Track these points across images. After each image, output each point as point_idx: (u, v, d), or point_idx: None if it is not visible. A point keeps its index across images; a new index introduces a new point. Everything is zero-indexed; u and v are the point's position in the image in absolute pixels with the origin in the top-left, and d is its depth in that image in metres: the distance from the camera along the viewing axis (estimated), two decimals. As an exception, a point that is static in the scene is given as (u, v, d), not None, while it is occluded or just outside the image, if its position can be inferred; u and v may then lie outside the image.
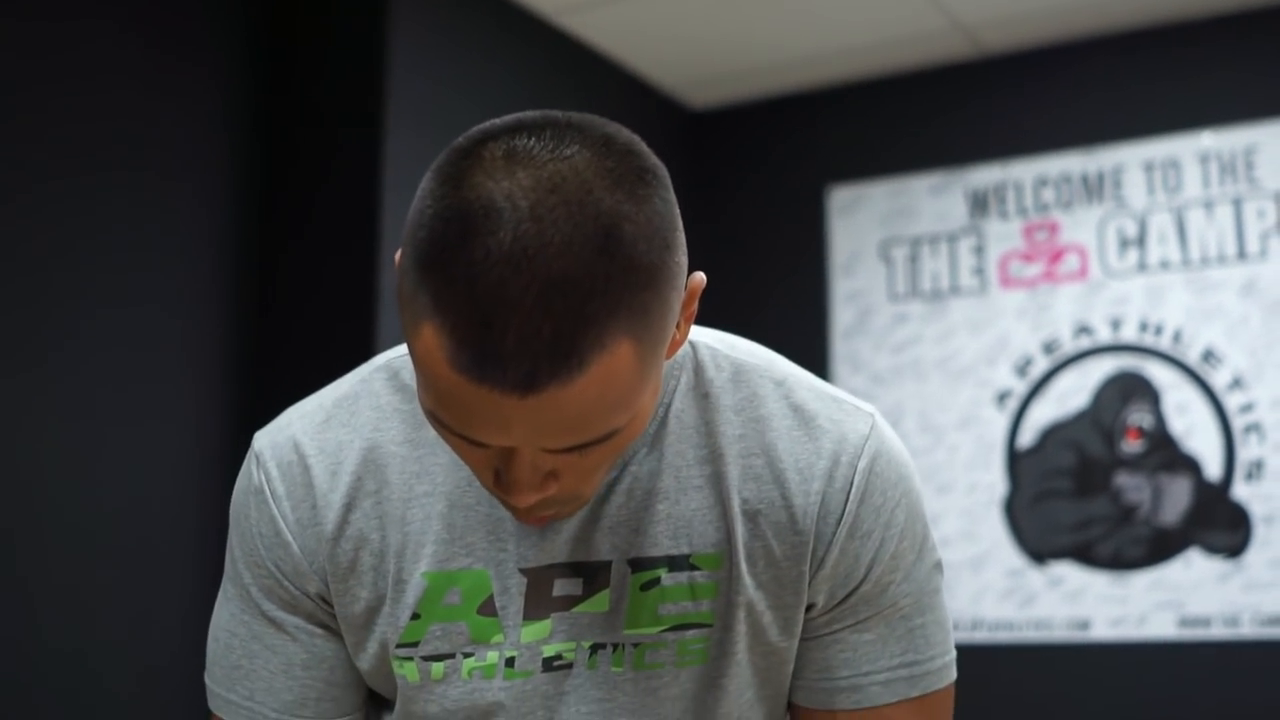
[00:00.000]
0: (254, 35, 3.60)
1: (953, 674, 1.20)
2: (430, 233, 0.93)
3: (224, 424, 3.40)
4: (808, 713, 1.21)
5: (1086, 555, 4.09)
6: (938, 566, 1.20)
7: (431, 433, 1.16)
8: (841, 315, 4.53)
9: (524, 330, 0.89)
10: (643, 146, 0.99)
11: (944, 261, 4.42)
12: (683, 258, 0.99)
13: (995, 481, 4.24)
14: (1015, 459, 4.23)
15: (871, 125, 4.62)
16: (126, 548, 3.13)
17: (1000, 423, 4.27)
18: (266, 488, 1.16)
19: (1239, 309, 4.03)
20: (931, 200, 4.47)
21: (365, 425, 1.17)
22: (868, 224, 4.55)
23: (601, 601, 1.14)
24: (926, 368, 4.38)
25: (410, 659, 1.15)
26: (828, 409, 1.17)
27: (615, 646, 1.15)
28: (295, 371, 3.44)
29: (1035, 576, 4.14)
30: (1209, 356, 4.05)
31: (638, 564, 1.13)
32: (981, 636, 4.17)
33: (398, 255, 1.00)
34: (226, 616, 1.20)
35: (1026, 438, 4.23)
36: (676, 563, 1.13)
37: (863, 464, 1.14)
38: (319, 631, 1.18)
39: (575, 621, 1.14)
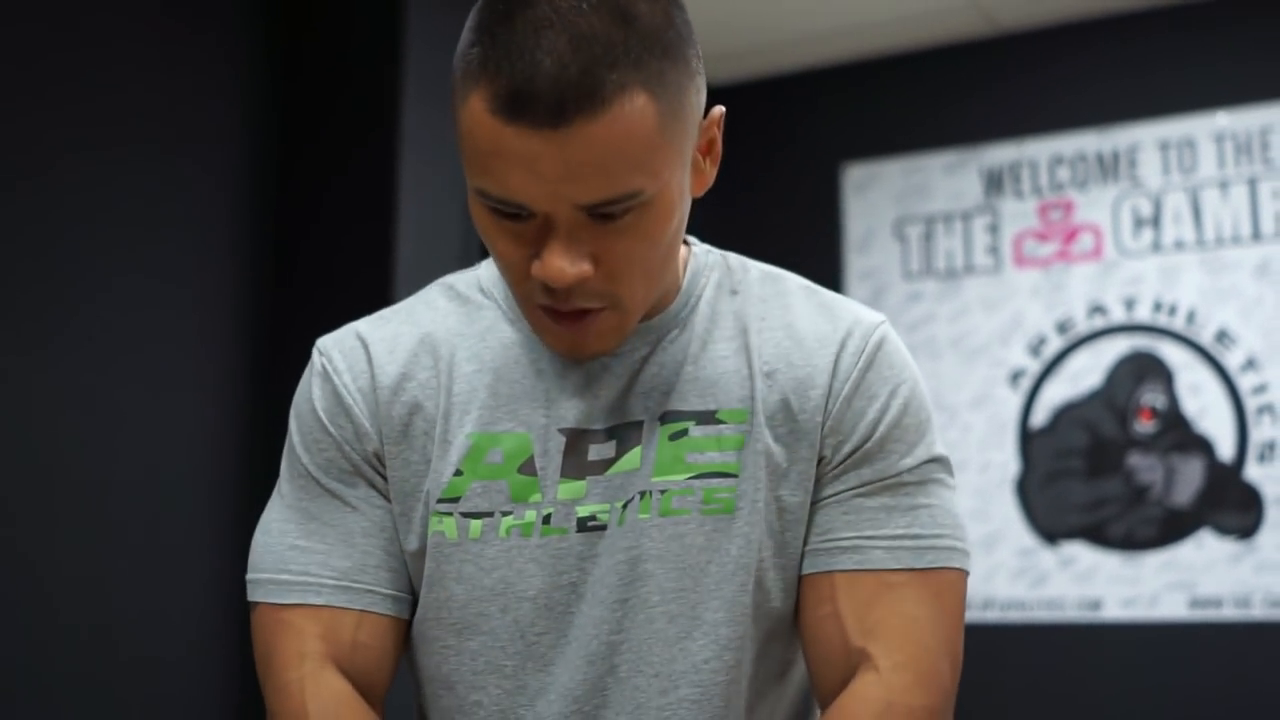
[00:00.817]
0: (272, 13, 3.61)
1: (963, 562, 1.22)
2: (477, 24, 1.09)
3: (237, 403, 3.43)
4: (809, 581, 1.22)
5: (1098, 535, 4.10)
6: (943, 464, 1.25)
7: (483, 324, 1.26)
8: (856, 293, 4.53)
9: (554, 69, 1.03)
10: None
11: (958, 240, 4.42)
12: (699, 63, 1.14)
13: (1008, 461, 4.24)
14: (1028, 438, 4.24)
15: (886, 103, 4.61)
16: (140, 522, 3.16)
17: (1013, 402, 4.27)
18: (328, 367, 1.26)
19: (1253, 290, 4.02)
20: (946, 178, 4.46)
21: (421, 320, 1.28)
22: (882, 202, 4.55)
23: (633, 459, 1.20)
24: (940, 346, 4.39)
25: (450, 514, 1.20)
26: (845, 303, 1.29)
27: (643, 494, 1.19)
28: (309, 348, 3.46)
29: (1047, 556, 4.15)
30: (1222, 337, 4.04)
31: (667, 418, 1.21)
32: (993, 616, 4.18)
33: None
34: (280, 511, 1.26)
35: (1039, 417, 4.23)
36: (703, 417, 1.21)
37: (874, 338, 1.24)
38: (378, 501, 1.24)
39: (609, 483, 1.20)
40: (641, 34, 1.06)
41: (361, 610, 1.22)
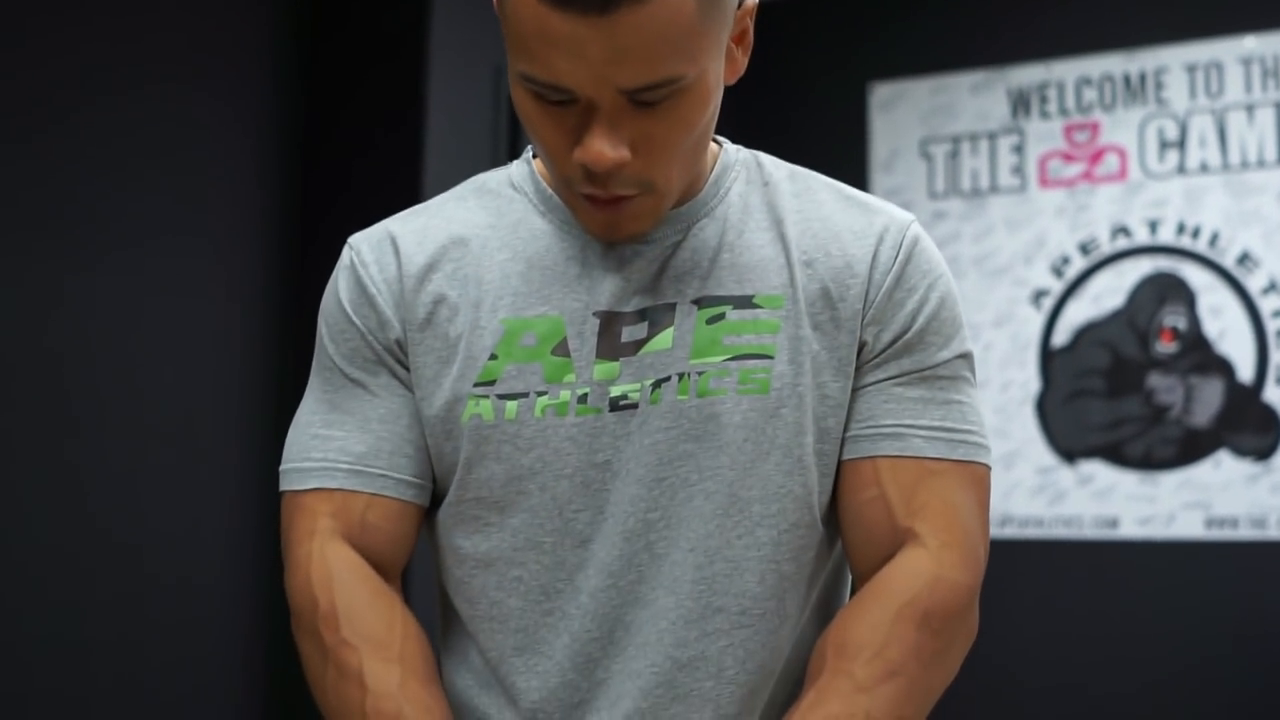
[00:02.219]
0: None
1: (990, 459, 1.29)
2: None
3: (268, 309, 3.47)
4: (852, 466, 1.27)
5: (1117, 454, 4.16)
6: (970, 361, 1.30)
7: (514, 216, 1.31)
8: (880, 212, 4.55)
9: None
10: None
11: (984, 160, 4.44)
12: None
13: (1029, 379, 4.29)
14: (1049, 358, 4.28)
15: (914, 22, 4.61)
16: (171, 430, 3.23)
17: (1036, 321, 4.31)
18: (355, 260, 1.31)
19: (1277, 214, 4.04)
20: (973, 98, 4.47)
21: (452, 214, 1.33)
22: (908, 121, 4.56)
23: (665, 339, 1.24)
24: (964, 265, 4.42)
25: (486, 397, 1.25)
26: (875, 200, 1.33)
27: (681, 376, 1.23)
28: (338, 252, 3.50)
29: (1065, 474, 4.21)
30: (1245, 260, 4.07)
31: (703, 302, 1.25)
32: (1011, 532, 4.25)
33: None
34: (309, 404, 1.32)
35: (1061, 337, 4.28)
36: (740, 302, 1.25)
37: (910, 234, 1.29)
38: (399, 389, 1.29)
39: (640, 363, 1.23)
40: None
41: (372, 494, 1.27)
